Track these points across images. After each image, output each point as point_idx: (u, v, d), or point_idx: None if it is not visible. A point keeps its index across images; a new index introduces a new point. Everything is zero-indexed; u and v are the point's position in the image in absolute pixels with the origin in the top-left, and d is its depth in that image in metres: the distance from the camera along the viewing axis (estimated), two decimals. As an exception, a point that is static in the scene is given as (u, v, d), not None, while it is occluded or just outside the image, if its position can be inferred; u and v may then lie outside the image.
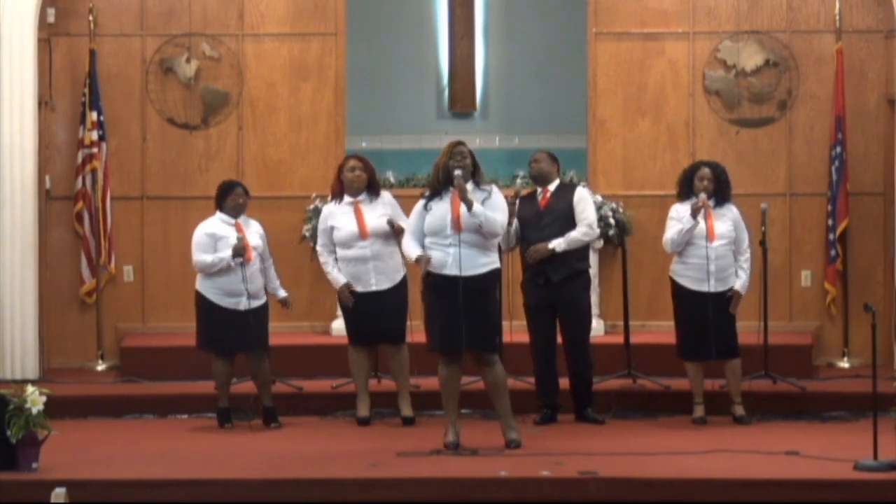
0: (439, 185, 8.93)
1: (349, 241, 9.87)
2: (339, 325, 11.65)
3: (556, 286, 9.79)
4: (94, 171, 11.74)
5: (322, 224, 10.05)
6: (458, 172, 8.85)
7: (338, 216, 9.94)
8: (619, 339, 10.86)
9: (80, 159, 11.80)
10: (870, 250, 11.95)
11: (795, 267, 12.01)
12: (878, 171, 11.94)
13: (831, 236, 11.78)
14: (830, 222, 11.79)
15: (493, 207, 8.88)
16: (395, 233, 9.77)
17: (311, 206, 11.72)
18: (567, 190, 10.01)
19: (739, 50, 12.05)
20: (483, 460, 8.57)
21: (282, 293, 10.04)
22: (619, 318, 11.06)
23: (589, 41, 12.13)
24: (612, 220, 11.52)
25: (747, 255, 10.02)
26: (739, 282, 9.95)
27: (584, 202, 9.92)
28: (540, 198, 9.89)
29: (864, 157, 11.97)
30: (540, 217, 9.83)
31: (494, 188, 9.04)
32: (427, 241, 8.90)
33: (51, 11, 11.81)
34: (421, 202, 8.99)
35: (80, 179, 11.80)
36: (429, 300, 8.90)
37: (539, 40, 12.61)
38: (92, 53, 11.79)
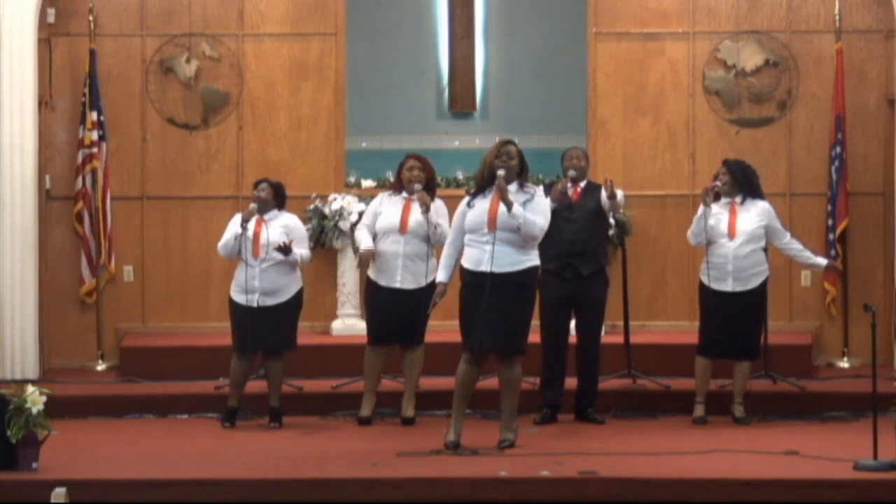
0: (484, 182, 8.90)
1: (387, 230, 9.85)
2: (338, 326, 11.67)
3: (582, 281, 9.83)
4: (94, 171, 11.74)
5: (371, 206, 10.08)
6: (500, 172, 8.82)
7: (388, 203, 9.95)
8: (619, 339, 10.87)
9: (80, 159, 11.79)
10: (870, 250, 11.96)
11: (795, 267, 11.97)
12: (878, 171, 11.94)
13: (831, 236, 11.78)
14: (830, 222, 11.79)
15: (535, 210, 8.84)
16: (423, 208, 9.72)
17: (311, 206, 11.72)
18: (595, 188, 10.07)
19: (739, 50, 12.05)
20: (483, 460, 8.57)
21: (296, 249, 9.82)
22: (619, 318, 11.06)
23: (589, 41, 12.13)
24: (612, 220, 11.50)
25: (788, 236, 9.96)
26: (817, 258, 10.00)
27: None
28: (571, 191, 9.92)
29: (864, 157, 11.97)
30: (571, 210, 9.87)
31: (539, 191, 8.98)
32: (467, 238, 8.88)
33: (51, 11, 11.81)
34: (465, 199, 8.98)
35: (80, 179, 11.79)
36: (464, 298, 8.86)
37: (539, 40, 12.61)
38: (92, 53, 11.79)
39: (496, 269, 8.74)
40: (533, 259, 8.90)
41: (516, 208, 8.75)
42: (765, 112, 12.07)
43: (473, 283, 8.80)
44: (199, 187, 12.05)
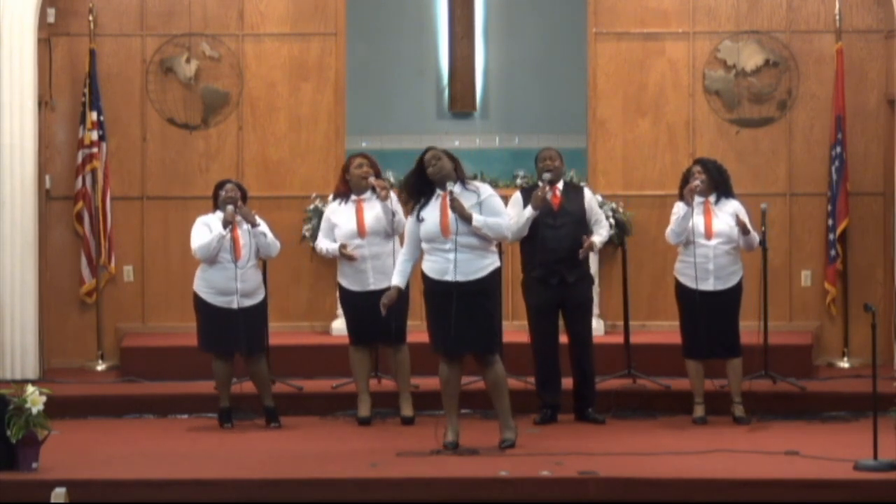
0: (422, 193, 8.83)
1: (347, 238, 9.87)
2: (339, 325, 11.66)
3: (568, 286, 9.81)
4: (94, 171, 11.74)
5: (325, 222, 10.07)
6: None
7: (340, 213, 9.95)
8: (619, 339, 10.87)
9: (80, 159, 11.80)
10: (870, 250, 11.96)
11: (795, 267, 12.01)
12: (878, 171, 11.94)
13: (831, 236, 11.78)
14: (830, 222, 11.79)
15: (493, 212, 8.84)
16: (378, 195, 9.73)
17: (311, 206, 11.73)
18: (575, 190, 10.03)
19: (739, 50, 12.05)
20: (483, 460, 8.57)
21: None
22: (619, 318, 11.06)
23: (589, 41, 12.13)
24: (612, 220, 11.50)
25: (753, 235, 9.94)
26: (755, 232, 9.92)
27: (596, 205, 10.05)
28: (550, 195, 9.86)
29: (864, 157, 11.97)
30: (554, 217, 9.81)
31: (483, 187, 8.93)
32: (426, 246, 8.85)
33: (51, 11, 11.81)
34: (413, 216, 8.92)
35: (80, 179, 11.80)
36: (430, 305, 8.88)
37: (539, 40, 12.61)
38: (92, 53, 11.79)
39: (461, 279, 8.74)
40: (495, 261, 8.91)
41: (477, 218, 8.73)
42: (765, 112, 12.07)
43: (438, 291, 8.80)
44: (199, 187, 12.04)
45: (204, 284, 9.84)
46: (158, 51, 12.09)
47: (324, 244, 10.00)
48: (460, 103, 12.56)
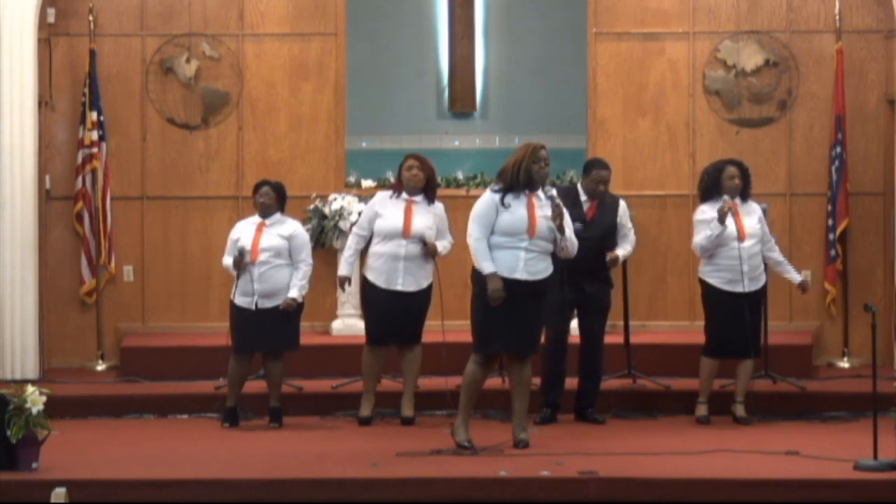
0: (517, 185, 8.74)
1: (389, 234, 9.80)
2: (338, 326, 11.67)
3: (585, 292, 9.83)
4: (94, 171, 11.74)
5: (368, 209, 9.99)
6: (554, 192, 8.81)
7: (388, 206, 9.87)
8: (619, 339, 10.86)
9: (80, 159, 11.80)
10: (870, 250, 11.96)
11: (795, 267, 11.99)
12: (878, 171, 11.94)
13: (831, 236, 11.78)
14: (830, 222, 11.79)
15: (569, 227, 8.89)
16: (427, 252, 9.76)
17: (311, 206, 11.72)
18: (611, 200, 10.01)
19: (739, 50, 12.06)
20: (483, 460, 8.57)
21: (291, 294, 9.73)
22: (619, 318, 11.05)
23: (589, 41, 12.13)
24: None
25: (773, 242, 10.05)
26: (794, 272, 10.10)
27: (627, 220, 10.04)
28: (587, 207, 9.86)
29: (864, 157, 11.98)
30: (585, 228, 9.71)
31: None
32: (498, 239, 8.75)
33: (51, 11, 11.81)
34: (495, 196, 8.77)
35: (80, 179, 11.80)
36: (485, 302, 8.74)
37: (539, 40, 12.61)
38: (92, 53, 11.79)
39: (531, 278, 8.74)
40: (552, 264, 8.91)
41: (569, 233, 8.77)
42: (765, 112, 12.08)
43: (509, 290, 8.68)
44: (199, 187, 12.06)
45: (234, 285, 9.85)
46: (158, 51, 12.09)
47: (345, 256, 9.98)
48: (460, 103, 12.56)
